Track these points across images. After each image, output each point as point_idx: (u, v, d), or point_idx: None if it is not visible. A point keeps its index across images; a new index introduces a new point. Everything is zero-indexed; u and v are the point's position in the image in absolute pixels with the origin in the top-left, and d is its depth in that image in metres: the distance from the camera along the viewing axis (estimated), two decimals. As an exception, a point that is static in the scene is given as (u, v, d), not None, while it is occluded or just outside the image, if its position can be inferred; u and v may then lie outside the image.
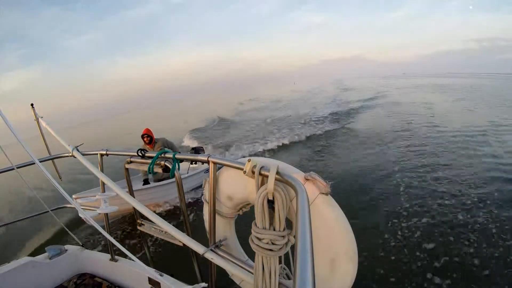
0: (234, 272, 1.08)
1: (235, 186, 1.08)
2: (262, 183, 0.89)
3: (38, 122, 1.81)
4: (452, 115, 10.74)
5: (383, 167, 5.64)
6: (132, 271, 1.63)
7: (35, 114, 1.80)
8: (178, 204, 4.37)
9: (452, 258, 2.88)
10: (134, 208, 1.38)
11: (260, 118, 14.76)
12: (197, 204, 4.80)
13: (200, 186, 5.14)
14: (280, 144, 8.34)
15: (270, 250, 0.83)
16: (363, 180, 5.11)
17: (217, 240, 1.19)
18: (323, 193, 0.87)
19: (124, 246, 1.18)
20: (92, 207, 1.59)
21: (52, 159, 1.79)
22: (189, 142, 10.54)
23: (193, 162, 5.66)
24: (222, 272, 1.18)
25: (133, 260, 1.14)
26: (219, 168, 1.14)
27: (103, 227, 1.33)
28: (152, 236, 1.40)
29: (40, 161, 1.35)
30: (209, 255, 1.08)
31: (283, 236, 0.84)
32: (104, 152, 1.52)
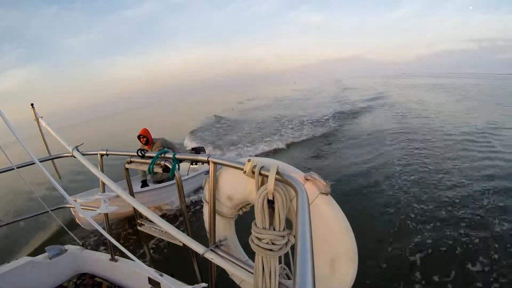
0: (234, 272, 1.08)
1: (235, 186, 1.08)
2: (262, 183, 0.89)
3: (38, 122, 1.81)
4: (453, 116, 10.73)
5: (384, 168, 5.63)
6: (132, 271, 1.63)
7: (35, 114, 1.80)
8: (179, 208, 4.35)
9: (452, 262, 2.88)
10: (134, 208, 1.38)
11: (262, 118, 14.72)
12: (197, 206, 4.74)
13: (200, 188, 5.03)
14: (281, 146, 8.29)
15: (270, 250, 0.83)
16: (363, 181, 5.11)
17: (217, 240, 1.19)
18: (323, 193, 0.87)
19: (124, 246, 1.17)
20: (92, 207, 1.59)
21: (52, 159, 1.78)
22: (190, 143, 10.49)
23: (193, 163, 5.58)
24: (222, 272, 1.18)
25: (133, 260, 1.14)
26: (219, 168, 1.14)
27: (103, 227, 1.33)
28: (152, 236, 1.40)
29: (40, 161, 1.35)
30: (209, 255, 1.08)
31: (283, 236, 0.84)
32: (104, 152, 1.52)
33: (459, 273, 2.69)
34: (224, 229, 1.21)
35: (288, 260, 1.22)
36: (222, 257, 1.10)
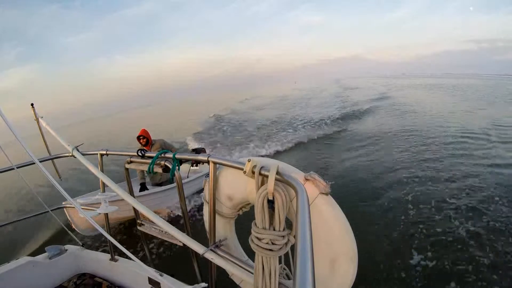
0: (234, 272, 1.08)
1: (235, 186, 1.08)
2: (262, 183, 0.89)
3: (38, 122, 1.81)
4: (454, 116, 10.74)
5: (386, 168, 5.62)
6: (132, 271, 1.63)
7: (35, 114, 1.80)
8: (180, 211, 4.29)
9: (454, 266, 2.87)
10: (134, 208, 1.39)
11: (264, 118, 14.71)
12: (197, 207, 4.68)
13: (201, 191, 4.89)
14: (282, 148, 8.25)
15: (270, 250, 0.83)
16: (366, 180, 5.10)
17: (217, 240, 1.19)
18: (323, 193, 0.87)
19: (124, 246, 1.17)
20: (92, 207, 1.59)
21: (52, 159, 1.79)
22: (192, 143, 10.46)
23: (194, 165, 5.52)
24: (222, 272, 1.18)
25: (133, 260, 1.14)
26: (220, 168, 1.14)
27: (103, 227, 1.33)
28: (152, 236, 1.40)
29: (40, 161, 1.35)
30: (209, 255, 1.08)
31: (283, 236, 0.84)
32: (104, 152, 1.52)
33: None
34: (224, 229, 1.21)
35: (288, 260, 1.22)
36: (222, 257, 1.10)
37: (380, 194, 4.49)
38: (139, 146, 4.25)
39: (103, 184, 1.55)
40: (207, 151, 6.86)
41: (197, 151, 5.64)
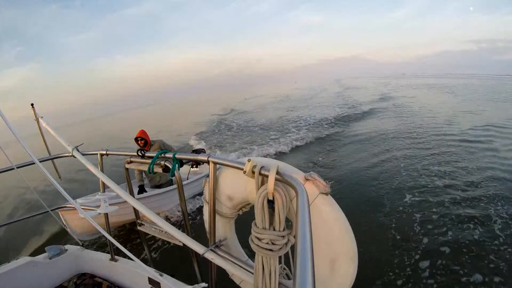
0: (234, 272, 1.08)
1: (235, 186, 1.08)
2: (262, 183, 0.89)
3: (38, 122, 1.81)
4: (455, 115, 10.73)
5: (386, 168, 5.62)
6: (132, 271, 1.63)
7: (35, 114, 1.80)
8: (180, 215, 4.25)
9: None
10: (133, 208, 1.39)
11: (265, 118, 14.69)
12: (197, 208, 4.62)
13: (201, 194, 4.72)
14: (285, 148, 8.23)
15: (270, 250, 0.83)
16: (366, 181, 5.10)
17: (217, 240, 1.19)
18: (323, 193, 0.87)
19: (124, 246, 1.17)
20: (92, 207, 1.59)
21: (52, 159, 1.79)
22: (194, 143, 10.42)
23: (194, 166, 5.46)
24: (222, 272, 1.18)
25: (133, 260, 1.14)
26: (220, 169, 1.14)
27: (103, 227, 1.33)
28: (152, 236, 1.40)
29: (40, 161, 1.35)
30: (209, 255, 1.08)
31: (283, 236, 0.84)
32: (104, 152, 1.52)
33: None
34: (224, 229, 1.21)
35: (288, 260, 1.22)
36: (222, 257, 1.10)
37: (381, 194, 4.49)
38: (138, 147, 4.18)
39: (103, 184, 1.55)
40: (208, 151, 6.82)
41: (197, 151, 5.60)
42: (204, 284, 1.12)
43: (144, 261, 1.32)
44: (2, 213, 6.60)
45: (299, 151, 7.95)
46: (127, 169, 1.47)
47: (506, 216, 3.57)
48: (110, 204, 1.44)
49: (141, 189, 4.17)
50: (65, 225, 2.78)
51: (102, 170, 1.51)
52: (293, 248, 0.62)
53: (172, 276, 1.43)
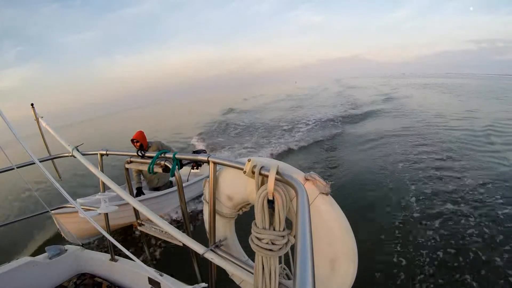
0: (234, 272, 1.08)
1: (235, 186, 1.08)
2: (262, 183, 0.89)
3: (38, 122, 1.81)
4: (455, 116, 10.73)
5: (387, 169, 5.61)
6: (132, 271, 1.63)
7: (35, 114, 1.80)
8: (180, 217, 4.22)
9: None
10: (133, 208, 1.39)
11: (266, 118, 14.65)
12: (197, 209, 4.59)
13: (201, 196, 4.69)
14: (286, 148, 8.19)
15: (270, 250, 0.83)
16: (366, 181, 5.10)
17: (217, 240, 1.19)
18: (323, 193, 0.87)
19: (124, 246, 1.17)
20: (92, 207, 1.59)
21: (52, 159, 1.79)
22: (197, 143, 10.39)
23: (194, 167, 5.41)
24: (222, 272, 1.18)
25: (133, 260, 1.14)
26: (220, 169, 1.14)
27: (103, 228, 1.33)
28: (152, 236, 1.40)
29: (40, 161, 1.35)
30: (209, 255, 1.08)
31: (283, 236, 0.84)
32: (104, 152, 1.52)
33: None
34: (224, 229, 1.21)
35: (288, 260, 1.22)
36: (222, 257, 1.10)
37: (381, 194, 4.50)
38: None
39: (103, 184, 1.55)
40: (208, 152, 6.73)
41: (197, 152, 5.48)
42: (204, 284, 1.12)
43: (144, 261, 1.33)
44: (2, 213, 6.60)
45: (300, 151, 7.95)
46: (127, 169, 1.47)
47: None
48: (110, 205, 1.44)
49: (139, 192, 4.07)
50: (59, 230, 2.68)
51: (102, 170, 1.51)
52: (293, 248, 0.62)
53: (172, 276, 1.43)
